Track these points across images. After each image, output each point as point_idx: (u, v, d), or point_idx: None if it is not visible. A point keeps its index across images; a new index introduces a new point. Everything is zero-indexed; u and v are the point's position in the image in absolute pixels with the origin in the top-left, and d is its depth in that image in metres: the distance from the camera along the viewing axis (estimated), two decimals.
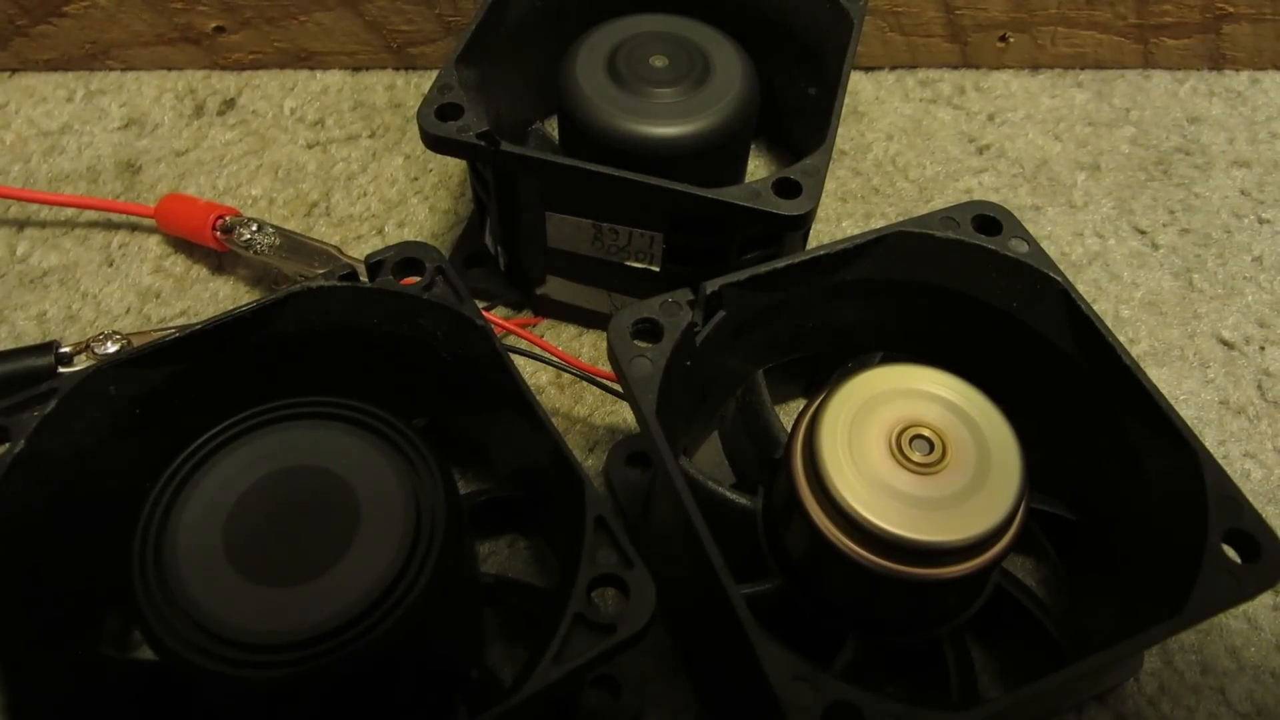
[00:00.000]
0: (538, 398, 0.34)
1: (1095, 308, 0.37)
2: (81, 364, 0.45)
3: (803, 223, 0.39)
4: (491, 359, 0.35)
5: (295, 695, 0.29)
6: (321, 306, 0.37)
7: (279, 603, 0.29)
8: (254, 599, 0.29)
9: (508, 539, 0.42)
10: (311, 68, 0.61)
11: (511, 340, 0.45)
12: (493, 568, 0.41)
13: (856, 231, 0.39)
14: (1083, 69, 0.64)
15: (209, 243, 0.50)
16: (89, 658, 0.34)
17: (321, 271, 0.38)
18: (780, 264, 0.37)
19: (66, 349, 0.45)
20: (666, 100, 0.45)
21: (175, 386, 0.36)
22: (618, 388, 0.36)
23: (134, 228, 0.53)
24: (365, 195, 0.55)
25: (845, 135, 0.59)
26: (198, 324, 0.35)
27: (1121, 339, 0.36)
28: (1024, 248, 0.38)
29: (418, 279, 0.37)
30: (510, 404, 0.35)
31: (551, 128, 0.53)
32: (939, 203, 0.56)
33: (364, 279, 0.37)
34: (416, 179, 0.56)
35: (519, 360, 0.37)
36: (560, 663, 0.28)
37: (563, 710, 0.36)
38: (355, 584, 0.29)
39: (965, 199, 0.40)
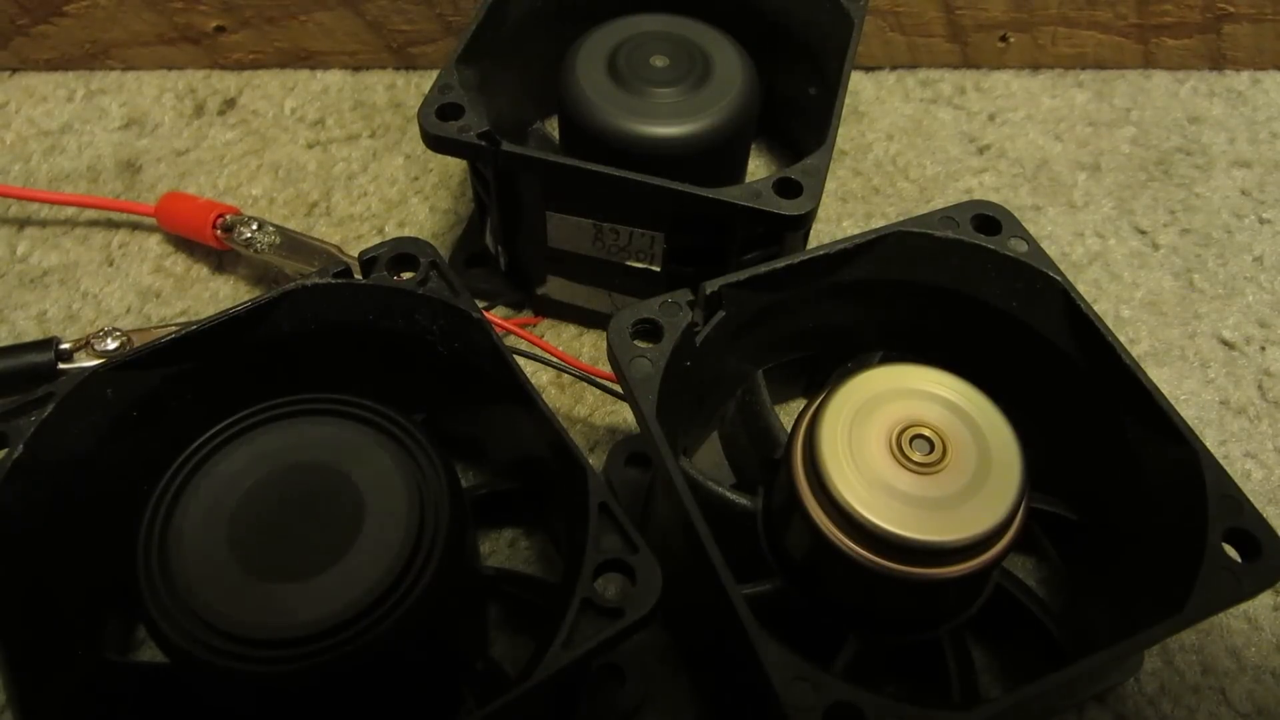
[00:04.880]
0: None
1: (1096, 308, 0.37)
2: (81, 360, 0.45)
3: (803, 223, 0.39)
4: (489, 351, 0.35)
5: (303, 690, 0.30)
6: (316, 304, 0.37)
7: (285, 598, 0.29)
8: (260, 595, 0.29)
9: (509, 537, 0.42)
10: (312, 67, 0.61)
11: (511, 340, 0.45)
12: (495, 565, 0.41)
13: (857, 231, 0.39)
14: (1083, 69, 0.64)
15: (210, 241, 0.50)
16: (93, 662, 0.34)
17: (317, 269, 0.38)
18: (780, 264, 0.37)
19: (66, 345, 0.45)
20: (667, 100, 0.45)
21: (172, 388, 0.36)
22: (618, 388, 0.36)
23: (134, 227, 0.53)
24: (366, 195, 0.55)
25: (846, 135, 0.59)
26: (193, 325, 0.35)
27: (1122, 339, 0.36)
28: (1024, 247, 0.38)
29: (412, 274, 0.37)
30: (509, 396, 0.35)
31: (552, 128, 0.53)
32: (939, 202, 0.56)
33: (359, 276, 0.37)
34: (417, 179, 0.56)
35: (518, 360, 0.37)
36: (570, 648, 0.28)
37: (568, 698, 0.36)
38: (361, 578, 0.30)
39: (965, 199, 0.40)
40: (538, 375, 0.47)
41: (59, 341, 0.45)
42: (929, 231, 0.38)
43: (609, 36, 0.47)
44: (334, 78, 0.61)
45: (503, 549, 0.42)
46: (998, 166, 0.58)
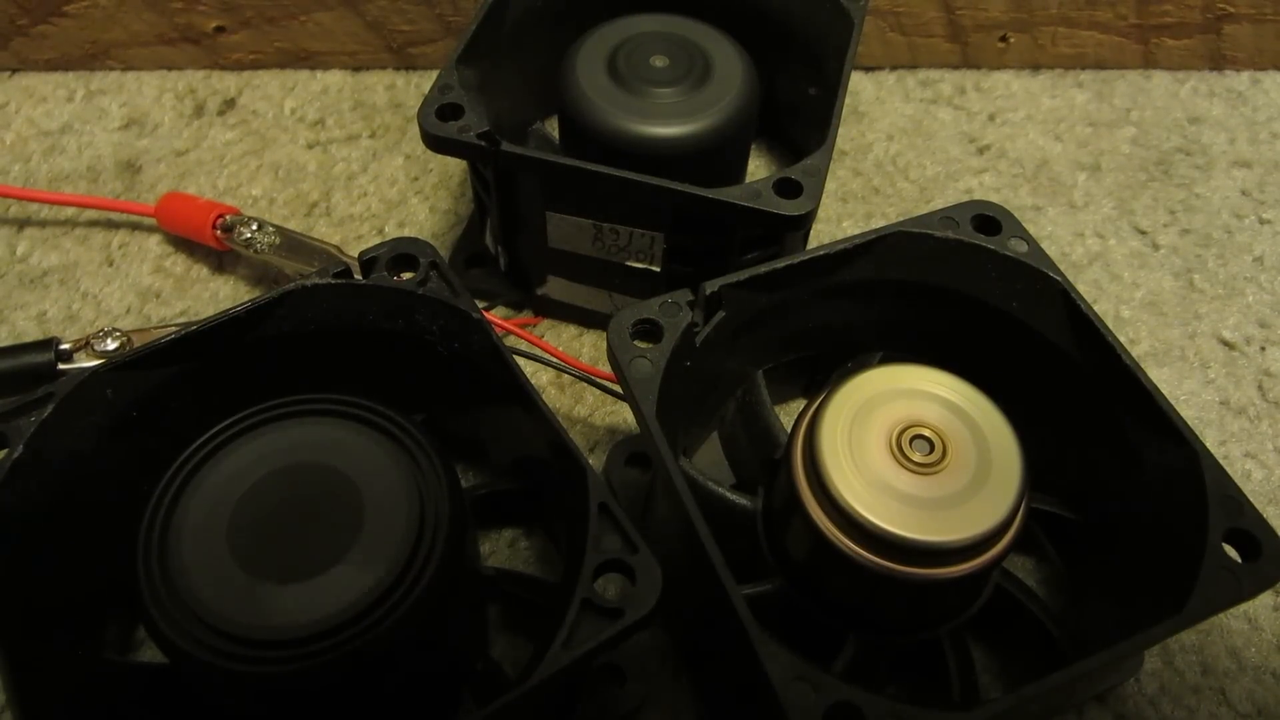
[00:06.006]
0: None
1: (1096, 308, 0.37)
2: (81, 361, 0.45)
3: (803, 223, 0.39)
4: (489, 352, 0.35)
5: (303, 690, 0.30)
6: (316, 304, 0.37)
7: (285, 599, 0.29)
8: (260, 595, 0.29)
9: (509, 537, 0.42)
10: (312, 68, 0.61)
11: (511, 340, 0.45)
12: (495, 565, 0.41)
13: (857, 231, 0.39)
14: (1083, 69, 0.64)
15: (209, 242, 0.50)
16: (93, 662, 0.34)
17: (317, 269, 0.38)
18: (780, 264, 0.37)
19: (66, 345, 0.45)
20: (667, 100, 0.45)
21: (172, 388, 0.36)
22: (618, 388, 0.36)
23: (134, 227, 0.53)
24: (365, 195, 0.55)
25: (846, 135, 0.59)
26: (193, 325, 0.35)
27: (1122, 339, 0.36)
28: (1023, 247, 0.38)
29: (412, 275, 0.37)
30: (508, 396, 0.35)
31: (552, 128, 0.53)
32: (940, 203, 0.56)
33: (359, 276, 0.37)
34: (417, 179, 0.56)
35: (518, 360, 0.37)
36: (570, 648, 0.28)
37: (568, 699, 0.36)
38: (361, 579, 0.30)
39: (966, 199, 0.40)
40: (538, 375, 0.47)
41: (59, 342, 0.45)
42: (929, 232, 0.38)
43: (609, 36, 0.47)
44: (334, 78, 0.61)
45: (503, 549, 0.42)
46: (998, 167, 0.58)
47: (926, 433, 0.33)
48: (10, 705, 0.28)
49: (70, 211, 0.53)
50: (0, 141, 0.57)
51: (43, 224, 0.53)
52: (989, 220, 0.39)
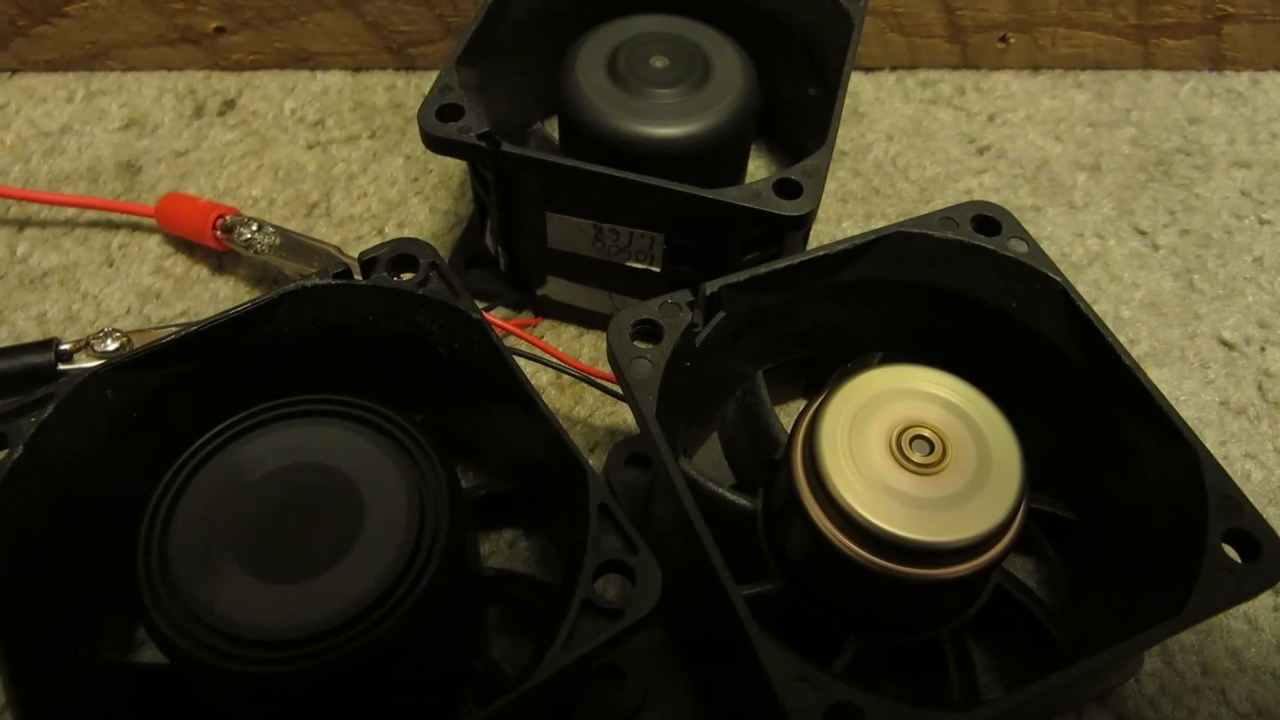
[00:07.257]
0: None
1: (1095, 308, 0.37)
2: (81, 361, 0.45)
3: (803, 223, 0.39)
4: (488, 352, 0.35)
5: (303, 691, 0.30)
6: (316, 305, 0.37)
7: (285, 599, 0.29)
8: (260, 596, 0.29)
9: (509, 538, 0.42)
10: (312, 68, 0.61)
11: (511, 341, 0.45)
12: (495, 565, 0.41)
13: (857, 232, 0.39)
14: (1083, 70, 0.64)
15: (209, 242, 0.50)
16: (93, 662, 0.34)
17: (317, 270, 0.38)
18: (780, 265, 0.37)
19: (66, 346, 0.45)
20: (667, 101, 0.45)
21: (172, 389, 0.36)
22: (618, 389, 0.36)
23: (134, 228, 0.53)
24: (365, 196, 0.55)
25: (845, 136, 0.59)
26: (193, 325, 0.35)
27: (1122, 339, 0.36)
28: (1023, 248, 0.38)
29: (411, 275, 0.37)
30: (508, 396, 0.35)
31: (552, 128, 0.53)
32: (939, 203, 0.56)
33: (359, 277, 0.37)
34: (417, 179, 0.56)
35: (518, 360, 0.38)
36: (570, 648, 0.28)
37: (568, 699, 0.36)
38: (361, 579, 0.30)
39: (965, 199, 0.40)
40: (538, 376, 0.47)
41: (59, 342, 0.45)
42: (929, 232, 0.39)
43: (609, 37, 0.47)
44: (334, 78, 0.61)
45: (503, 549, 0.42)
46: (997, 167, 0.58)
47: (926, 433, 0.33)
48: (10, 705, 0.28)
49: (70, 212, 0.53)
50: (0, 142, 0.57)
51: (43, 224, 0.53)
52: (989, 221, 0.39)
